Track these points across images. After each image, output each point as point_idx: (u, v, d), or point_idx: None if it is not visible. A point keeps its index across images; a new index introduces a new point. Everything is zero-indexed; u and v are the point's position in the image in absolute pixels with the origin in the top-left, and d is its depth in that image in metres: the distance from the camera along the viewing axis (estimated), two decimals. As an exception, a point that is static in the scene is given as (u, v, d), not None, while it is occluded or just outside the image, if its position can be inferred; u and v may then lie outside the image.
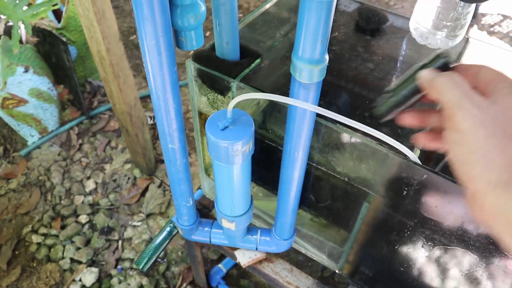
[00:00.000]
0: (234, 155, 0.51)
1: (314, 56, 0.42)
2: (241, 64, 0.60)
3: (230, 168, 0.54)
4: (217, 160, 0.53)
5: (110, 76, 1.08)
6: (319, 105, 0.47)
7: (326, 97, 0.58)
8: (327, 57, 0.43)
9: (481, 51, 0.68)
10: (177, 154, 0.56)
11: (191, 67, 0.61)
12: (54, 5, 1.32)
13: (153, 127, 1.59)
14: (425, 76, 0.38)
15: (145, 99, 1.73)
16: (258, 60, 0.62)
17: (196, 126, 0.71)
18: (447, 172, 0.50)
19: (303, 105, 0.45)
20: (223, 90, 0.60)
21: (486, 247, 0.51)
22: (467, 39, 0.69)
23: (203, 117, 0.68)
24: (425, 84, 0.38)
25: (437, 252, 0.56)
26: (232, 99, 0.53)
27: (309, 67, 0.42)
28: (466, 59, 0.67)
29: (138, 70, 1.89)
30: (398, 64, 0.68)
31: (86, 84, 1.75)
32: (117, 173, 1.44)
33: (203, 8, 0.51)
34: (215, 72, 0.59)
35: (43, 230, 1.30)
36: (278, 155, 0.60)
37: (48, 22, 1.44)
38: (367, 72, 0.63)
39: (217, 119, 0.50)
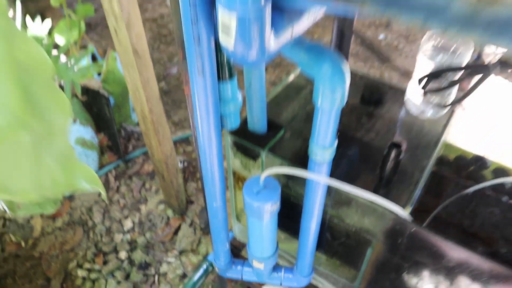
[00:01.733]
0: (265, 212, 0.66)
1: (325, 143, 0.57)
2: (268, 136, 0.76)
3: (261, 222, 0.69)
4: (251, 216, 0.68)
5: (151, 132, 1.25)
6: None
7: (341, 148, 0.73)
8: (336, 142, 0.59)
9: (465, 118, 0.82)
10: (220, 210, 0.72)
11: (229, 139, 0.77)
12: (99, 67, 1.51)
13: (183, 170, 1.75)
14: None
15: (175, 143, 1.90)
16: (282, 132, 0.77)
17: (230, 182, 0.86)
18: (436, 225, 0.64)
19: (318, 178, 0.60)
20: (254, 156, 0.76)
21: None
22: (452, 110, 0.83)
23: (236, 175, 0.84)
24: None
25: (429, 288, 0.70)
26: (263, 170, 0.68)
27: (322, 151, 0.58)
28: (453, 125, 0.82)
29: (167, 115, 2.07)
30: (398, 131, 0.83)
31: (122, 130, 1.93)
32: (152, 213, 1.60)
33: (240, 99, 0.67)
34: (248, 143, 0.74)
35: (87, 265, 1.45)
36: (298, 208, 0.75)
37: (92, 80, 1.63)
38: (372, 137, 0.78)
39: (252, 185, 0.66)
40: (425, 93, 0.77)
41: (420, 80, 0.69)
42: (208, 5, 0.45)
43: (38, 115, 0.30)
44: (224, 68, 0.61)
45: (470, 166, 0.89)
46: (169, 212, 1.59)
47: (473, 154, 0.90)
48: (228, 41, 0.40)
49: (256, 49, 0.41)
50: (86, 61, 1.70)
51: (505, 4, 0.30)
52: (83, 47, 2.03)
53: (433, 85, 0.72)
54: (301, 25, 0.47)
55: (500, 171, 0.87)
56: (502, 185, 0.84)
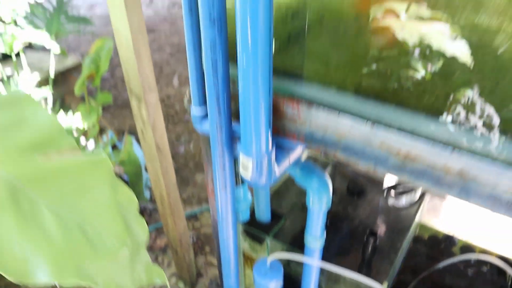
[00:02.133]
0: (271, 289, 0.82)
1: (317, 235, 0.75)
2: (272, 224, 0.94)
3: (268, 296, 0.85)
4: (260, 291, 0.84)
5: (168, 213, 1.42)
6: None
7: (332, 231, 0.90)
8: (324, 233, 0.77)
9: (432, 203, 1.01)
10: (234, 287, 0.88)
11: (240, 227, 0.94)
12: (119, 153, 1.72)
13: (193, 245, 1.91)
14: None
15: (184, 218, 2.06)
16: (283, 221, 0.95)
17: (240, 261, 1.03)
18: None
19: (312, 262, 0.78)
20: (260, 241, 0.93)
21: None
22: (422, 195, 1.02)
23: (245, 256, 1.01)
24: None
25: None
26: (268, 252, 0.86)
27: (314, 241, 0.75)
28: (425, 209, 1.00)
29: (177, 192, 2.25)
30: (378, 216, 1.01)
31: (135, 207, 2.11)
32: (165, 285, 1.73)
33: (250, 198, 0.86)
34: (255, 231, 0.92)
35: (105, 337, 1.57)
36: (298, 283, 0.91)
37: (114, 166, 1.83)
38: (357, 221, 0.96)
39: (260, 267, 0.83)
40: (388, 198, 0.96)
41: (383, 191, 0.89)
42: (230, 143, 0.65)
43: (131, 235, 0.48)
44: (239, 176, 0.80)
45: (441, 244, 1.06)
46: (181, 285, 1.72)
47: (443, 233, 1.08)
48: (246, 174, 0.60)
49: (265, 177, 0.60)
50: (106, 148, 1.91)
51: (420, 161, 0.50)
52: (100, 130, 2.26)
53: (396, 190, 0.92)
54: (295, 155, 0.66)
55: (466, 248, 1.04)
56: (468, 260, 1.02)
